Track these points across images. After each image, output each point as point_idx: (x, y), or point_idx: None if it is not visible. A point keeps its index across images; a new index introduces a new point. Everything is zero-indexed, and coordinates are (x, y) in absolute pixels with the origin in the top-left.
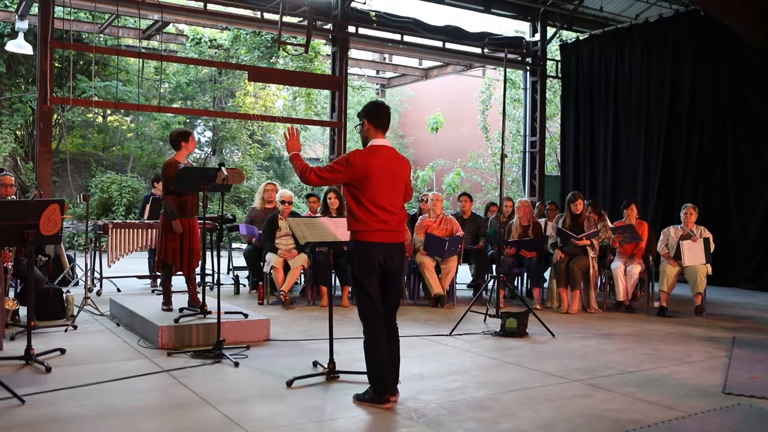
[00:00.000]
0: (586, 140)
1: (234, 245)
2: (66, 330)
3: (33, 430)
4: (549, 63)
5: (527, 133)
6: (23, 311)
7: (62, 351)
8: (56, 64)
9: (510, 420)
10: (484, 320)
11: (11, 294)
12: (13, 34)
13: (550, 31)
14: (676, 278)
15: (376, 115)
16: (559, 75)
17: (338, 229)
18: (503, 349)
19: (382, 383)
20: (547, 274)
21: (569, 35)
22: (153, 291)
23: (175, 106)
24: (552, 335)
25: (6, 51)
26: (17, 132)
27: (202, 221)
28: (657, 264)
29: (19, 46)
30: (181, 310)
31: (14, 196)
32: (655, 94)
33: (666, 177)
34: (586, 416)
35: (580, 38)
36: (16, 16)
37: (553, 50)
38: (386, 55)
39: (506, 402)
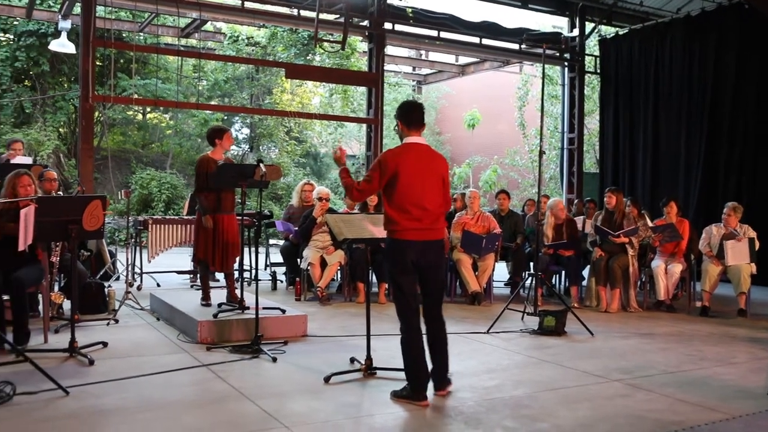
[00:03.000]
0: (625, 137)
1: (271, 241)
2: (108, 324)
3: (77, 422)
4: (587, 59)
5: (565, 130)
6: (66, 305)
7: (104, 344)
8: (98, 63)
9: (548, 419)
10: (522, 318)
11: (56, 288)
12: (57, 34)
13: (589, 26)
14: (719, 277)
15: (407, 114)
16: (598, 71)
17: (376, 226)
18: (541, 348)
19: (418, 380)
20: (585, 272)
21: (608, 30)
22: (192, 286)
23: (213, 103)
24: (591, 334)
25: (49, 50)
26: (60, 129)
27: (240, 217)
28: (699, 263)
29: (62, 45)
30: (219, 305)
31: (60, 192)
32: (696, 89)
33: (708, 174)
34: (626, 416)
35: (620, 33)
36: (60, 16)
37: (592, 46)
38: (423, 52)
39: (544, 401)
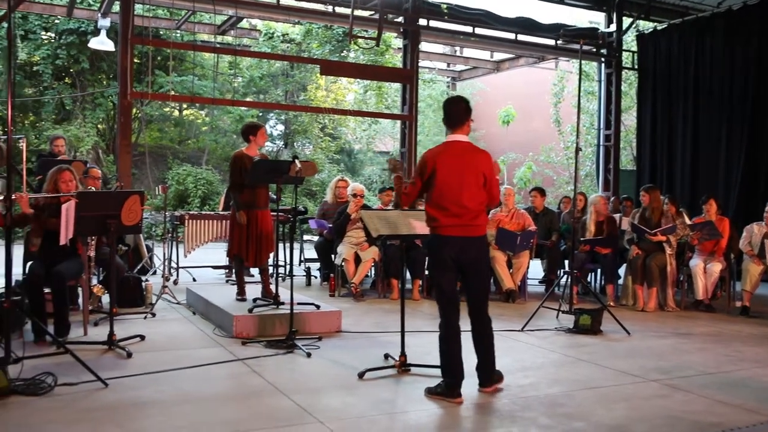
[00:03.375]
0: (663, 133)
1: (305, 237)
2: (145, 317)
3: (115, 413)
4: (625, 54)
5: (601, 127)
6: (105, 298)
7: (142, 337)
8: (136, 60)
9: (584, 418)
10: (557, 316)
11: (94, 281)
12: (96, 32)
13: (626, 21)
14: (760, 277)
15: (445, 113)
16: (636, 67)
17: (410, 222)
18: (576, 346)
19: (453, 377)
20: (621, 271)
21: (646, 25)
22: (227, 281)
23: (248, 99)
24: (627, 333)
25: (89, 48)
26: (99, 126)
27: (275, 213)
28: (739, 262)
29: (101, 43)
30: (254, 300)
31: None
32: (738, 85)
33: (749, 172)
34: (664, 417)
35: (658, 28)
36: (99, 15)
37: (629, 41)
38: (457, 48)
39: (580, 400)
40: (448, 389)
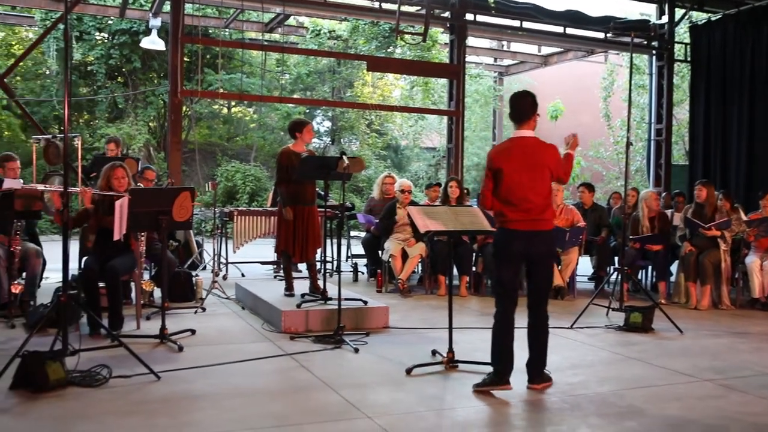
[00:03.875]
0: (717, 127)
1: (352, 233)
2: (195, 312)
3: (168, 405)
4: (677, 46)
5: (652, 121)
6: (157, 293)
7: (193, 332)
8: (186, 59)
9: (635, 417)
10: (607, 314)
11: (146, 276)
12: (148, 32)
13: (679, 12)
14: None
15: (512, 107)
16: (688, 59)
17: (458, 219)
18: (627, 344)
19: (503, 366)
20: (673, 268)
21: (699, 16)
22: (275, 276)
23: (295, 96)
24: (680, 331)
25: (141, 47)
26: (150, 124)
27: (323, 209)
28: None
29: (152, 42)
30: (302, 295)
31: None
32: None
33: None
34: (719, 418)
35: (712, 19)
36: (150, 15)
37: (682, 33)
38: (504, 42)
39: (631, 399)
40: (497, 376)
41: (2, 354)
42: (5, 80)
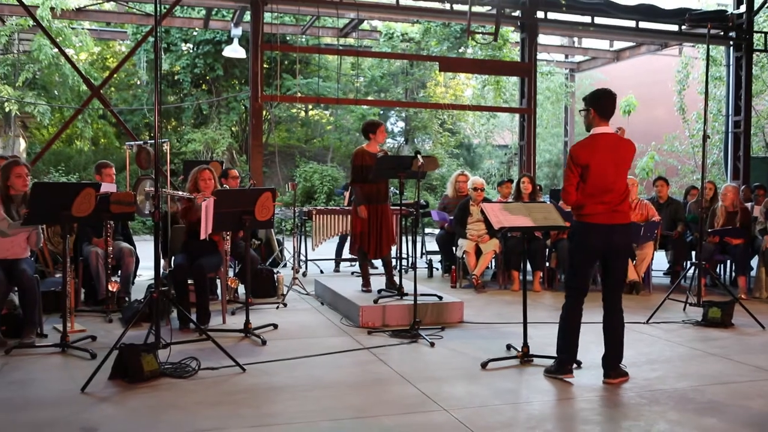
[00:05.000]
0: None
1: (426, 230)
2: (277, 307)
3: (253, 396)
4: (756, 36)
5: (730, 113)
6: (241, 289)
7: (275, 326)
8: (265, 65)
9: (716, 414)
10: (684, 309)
11: (230, 273)
12: (229, 41)
13: (758, 1)
14: None
15: (601, 103)
16: None
17: (531, 214)
18: (706, 340)
19: (567, 355)
20: (754, 263)
21: None
22: (353, 273)
23: (369, 98)
24: (762, 327)
25: (223, 56)
26: (233, 128)
27: (398, 207)
28: None
29: (234, 50)
30: (379, 291)
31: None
32: None
33: None
34: None
35: None
36: (232, 24)
37: (761, 22)
38: (575, 39)
39: (711, 395)
40: (560, 365)
41: (101, 347)
42: (101, 92)
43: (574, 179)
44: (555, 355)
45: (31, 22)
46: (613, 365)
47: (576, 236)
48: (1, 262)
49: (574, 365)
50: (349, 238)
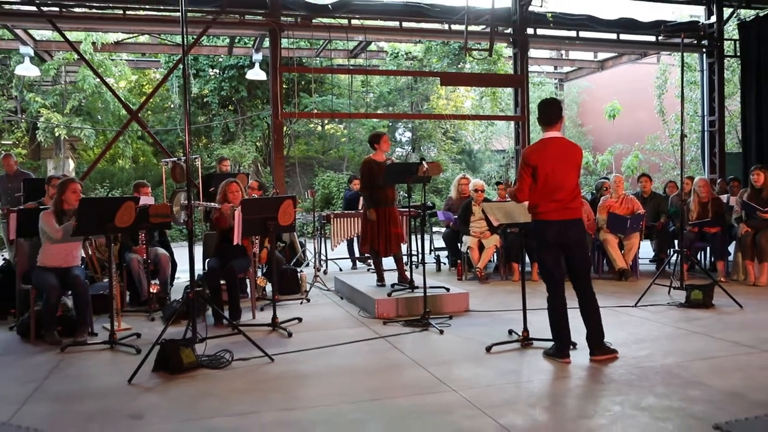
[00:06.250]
0: None
1: (434, 229)
2: (301, 303)
3: (281, 383)
4: (726, 43)
5: (705, 113)
6: (267, 287)
7: (299, 320)
8: (284, 86)
9: (699, 387)
10: (668, 292)
11: (259, 273)
12: (251, 65)
13: (727, 11)
14: None
15: (540, 113)
16: (738, 54)
17: (527, 212)
18: (689, 320)
19: (561, 341)
20: (731, 248)
21: (747, 13)
22: (369, 270)
23: (379, 112)
24: (740, 306)
25: (246, 79)
26: (257, 143)
27: (407, 209)
28: None
29: (256, 74)
30: (392, 285)
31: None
32: None
33: None
34: None
35: (760, 14)
36: (253, 51)
37: (730, 30)
38: (563, 51)
39: (695, 370)
40: (558, 351)
41: (145, 342)
42: (139, 115)
43: (527, 178)
44: (552, 339)
45: (75, 56)
46: (597, 344)
47: (534, 233)
48: (56, 270)
49: (571, 347)
50: (357, 238)
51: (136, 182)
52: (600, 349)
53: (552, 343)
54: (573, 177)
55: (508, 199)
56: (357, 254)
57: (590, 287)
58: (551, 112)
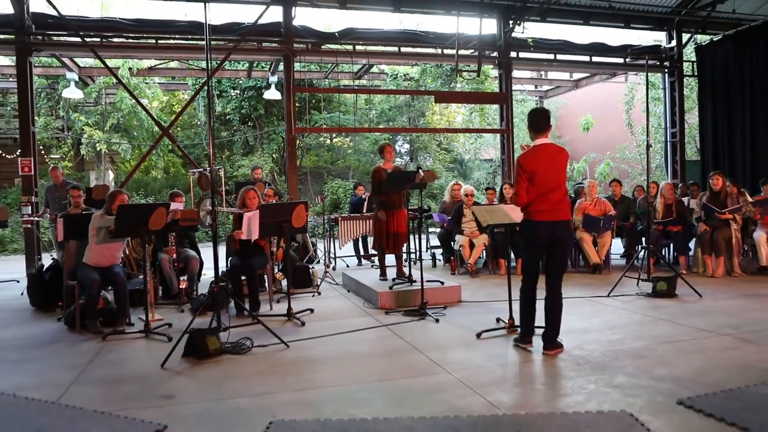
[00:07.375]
0: (723, 127)
1: (430, 229)
2: (313, 296)
3: (296, 367)
4: (686, 64)
5: (668, 126)
6: (283, 282)
7: (311, 311)
8: (297, 104)
9: (665, 367)
10: (637, 284)
11: (276, 269)
12: (268, 86)
13: (685, 36)
14: None
15: (530, 121)
16: (696, 74)
17: (513, 213)
18: (655, 308)
19: (527, 328)
20: (691, 244)
21: (703, 38)
22: (372, 266)
23: (380, 126)
24: (699, 296)
25: (263, 98)
26: (273, 155)
27: (408, 212)
28: None
29: (272, 94)
30: (393, 279)
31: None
32: None
33: None
34: (737, 366)
35: (714, 40)
36: (270, 73)
37: (689, 53)
38: (542, 72)
39: (661, 352)
40: (523, 336)
41: (176, 331)
42: (169, 131)
43: (525, 184)
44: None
45: (114, 80)
46: (550, 339)
47: (525, 232)
48: (99, 268)
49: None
50: (362, 238)
51: (171, 192)
52: (552, 344)
53: (518, 333)
54: (563, 179)
55: (496, 203)
56: (362, 252)
57: (560, 286)
58: (540, 120)
